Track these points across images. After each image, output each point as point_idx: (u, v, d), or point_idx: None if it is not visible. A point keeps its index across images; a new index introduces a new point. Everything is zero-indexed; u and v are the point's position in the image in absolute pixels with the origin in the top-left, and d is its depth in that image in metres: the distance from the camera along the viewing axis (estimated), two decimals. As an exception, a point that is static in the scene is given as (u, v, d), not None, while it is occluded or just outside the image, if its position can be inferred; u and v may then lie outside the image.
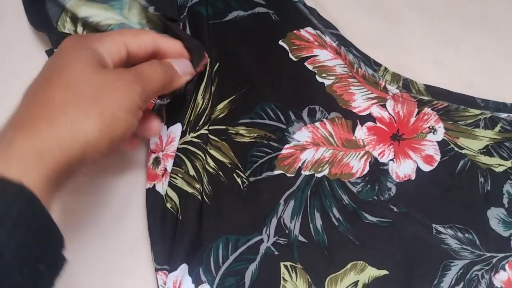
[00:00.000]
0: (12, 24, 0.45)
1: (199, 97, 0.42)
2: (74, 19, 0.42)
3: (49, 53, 0.41)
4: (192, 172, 0.40)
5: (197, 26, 0.43)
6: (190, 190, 0.40)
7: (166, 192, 0.40)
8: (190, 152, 0.41)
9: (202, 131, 0.41)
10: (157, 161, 0.40)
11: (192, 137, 0.41)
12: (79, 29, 0.42)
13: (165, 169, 0.40)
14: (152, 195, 0.40)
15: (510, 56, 0.49)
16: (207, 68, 0.42)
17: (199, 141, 0.41)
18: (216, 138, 0.42)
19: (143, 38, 0.35)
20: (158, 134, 0.40)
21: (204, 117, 0.42)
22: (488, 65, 0.48)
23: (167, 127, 0.41)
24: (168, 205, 0.40)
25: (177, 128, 0.41)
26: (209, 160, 0.41)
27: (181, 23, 0.42)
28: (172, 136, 0.41)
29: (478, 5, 0.50)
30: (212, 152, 0.41)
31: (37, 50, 0.44)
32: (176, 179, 0.40)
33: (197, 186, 0.40)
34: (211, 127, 0.42)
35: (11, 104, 0.37)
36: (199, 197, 0.40)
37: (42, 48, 0.44)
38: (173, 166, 0.40)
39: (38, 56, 0.43)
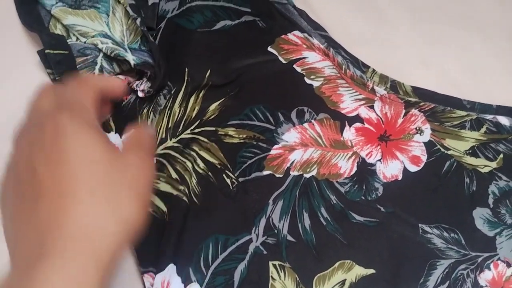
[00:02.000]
0: (4, 24, 0.44)
1: (176, 106, 0.42)
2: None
3: (41, 53, 0.41)
4: (174, 175, 0.41)
5: (176, 38, 0.44)
6: (175, 192, 0.41)
7: None
8: (170, 156, 0.41)
9: (183, 136, 0.42)
10: None
11: (173, 142, 0.42)
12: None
13: None
14: None
15: (496, 56, 0.49)
16: (186, 78, 0.43)
17: (179, 145, 0.42)
18: (205, 139, 0.42)
19: (92, 80, 0.34)
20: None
21: (183, 123, 0.42)
22: (474, 65, 0.49)
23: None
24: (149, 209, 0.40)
25: None
26: (199, 161, 0.42)
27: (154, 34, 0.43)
28: None
29: (465, 5, 0.51)
30: (202, 153, 0.42)
31: (29, 51, 0.44)
32: (159, 183, 0.41)
33: (181, 187, 0.41)
34: (201, 129, 0.42)
35: (3, 104, 0.37)
36: (184, 198, 0.41)
37: (34, 49, 0.43)
38: None
39: (30, 56, 0.43)
